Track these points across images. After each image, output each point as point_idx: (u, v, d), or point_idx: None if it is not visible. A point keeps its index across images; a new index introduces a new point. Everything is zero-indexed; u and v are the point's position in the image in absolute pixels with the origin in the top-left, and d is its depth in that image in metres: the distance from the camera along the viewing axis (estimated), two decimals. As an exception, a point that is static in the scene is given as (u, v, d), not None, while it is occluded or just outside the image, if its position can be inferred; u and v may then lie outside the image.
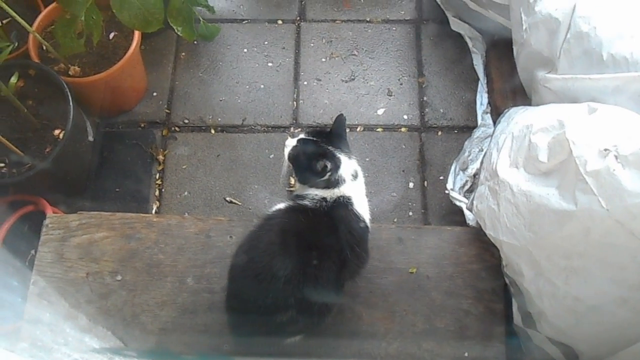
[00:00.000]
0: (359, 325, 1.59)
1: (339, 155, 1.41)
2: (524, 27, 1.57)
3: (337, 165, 1.39)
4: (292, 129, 2.14)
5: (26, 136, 1.75)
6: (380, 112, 2.17)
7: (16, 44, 1.91)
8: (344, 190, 1.39)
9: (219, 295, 1.61)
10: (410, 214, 2.01)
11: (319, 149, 1.41)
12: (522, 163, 1.35)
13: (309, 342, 1.52)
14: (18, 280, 1.49)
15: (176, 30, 1.90)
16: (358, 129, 2.13)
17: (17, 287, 1.49)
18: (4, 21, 1.88)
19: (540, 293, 1.33)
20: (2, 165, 1.71)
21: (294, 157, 1.44)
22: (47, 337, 1.33)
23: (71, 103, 1.73)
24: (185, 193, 2.04)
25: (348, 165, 1.41)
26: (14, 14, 1.67)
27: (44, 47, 1.86)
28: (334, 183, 1.38)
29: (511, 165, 1.40)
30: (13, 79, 1.67)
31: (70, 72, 1.89)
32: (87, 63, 1.93)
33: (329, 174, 1.36)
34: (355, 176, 1.43)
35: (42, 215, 1.74)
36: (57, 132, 1.76)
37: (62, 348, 1.31)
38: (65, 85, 1.75)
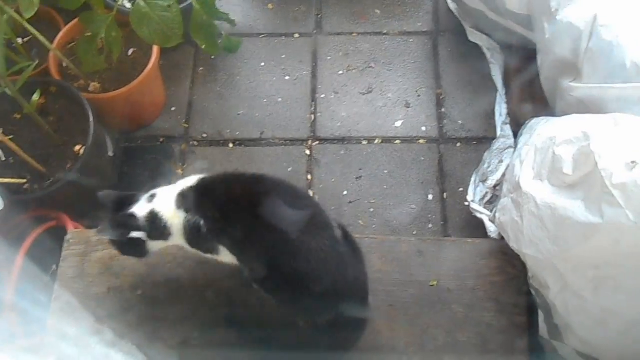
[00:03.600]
0: (378, 339, 1.57)
1: None
2: (546, 36, 1.56)
3: None
4: (310, 141, 2.14)
5: (48, 152, 1.77)
6: (398, 124, 2.16)
7: (37, 62, 1.93)
8: None
9: (239, 309, 1.60)
10: (430, 226, 1.99)
11: None
12: (546, 175, 1.33)
13: (328, 357, 1.51)
14: (41, 294, 1.50)
15: (200, 45, 1.90)
16: (376, 142, 2.13)
17: (41, 302, 1.49)
18: (25, 39, 1.90)
19: (566, 306, 1.31)
20: (24, 181, 1.72)
21: None
22: (73, 352, 1.33)
23: (91, 119, 1.75)
24: (204, 207, 2.04)
25: None
26: (35, 32, 1.70)
27: (64, 64, 1.89)
28: None
29: (535, 177, 1.38)
30: (35, 96, 1.69)
31: (90, 89, 1.91)
32: (106, 79, 1.95)
33: None
34: None
35: (64, 231, 1.75)
36: (77, 147, 1.77)
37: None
38: (86, 102, 1.77)
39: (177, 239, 1.36)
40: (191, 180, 1.37)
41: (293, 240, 1.27)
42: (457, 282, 1.62)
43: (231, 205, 1.32)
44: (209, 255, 1.40)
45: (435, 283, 1.61)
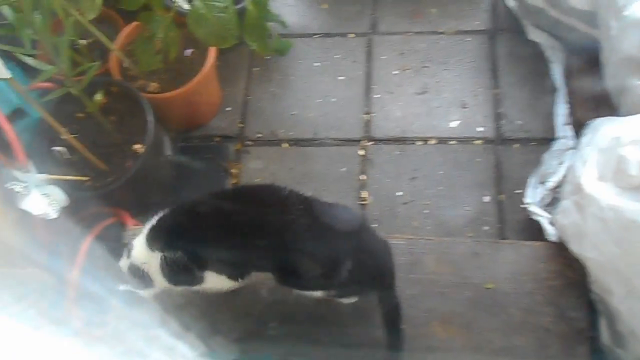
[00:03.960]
0: (433, 340, 1.56)
1: None
2: (612, 33, 1.51)
3: None
4: (364, 142, 2.13)
5: (109, 151, 1.82)
6: (453, 124, 2.13)
7: (99, 62, 1.99)
8: None
9: (292, 306, 1.62)
10: (486, 228, 1.95)
11: None
12: (610, 177, 1.29)
13: (385, 356, 1.51)
14: (104, 289, 1.54)
15: (250, 46, 1.93)
16: (431, 142, 2.10)
17: (104, 295, 1.54)
18: (88, 40, 1.96)
19: (632, 312, 1.27)
20: (87, 178, 1.78)
21: None
22: (142, 343, 1.37)
23: (150, 118, 1.79)
24: (259, 206, 2.06)
25: None
26: (98, 33, 1.75)
27: (125, 65, 1.94)
28: None
29: (598, 179, 1.34)
30: (98, 96, 1.74)
31: (149, 89, 1.96)
32: (165, 79, 1.99)
33: None
34: None
35: (124, 227, 1.80)
36: (137, 146, 1.82)
37: (154, 354, 1.34)
38: (145, 102, 1.81)
39: (159, 283, 1.40)
40: (154, 220, 1.40)
41: (292, 228, 1.29)
42: (514, 285, 1.59)
43: (213, 226, 1.34)
44: (196, 288, 1.42)
45: (491, 286, 1.59)
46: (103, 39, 1.76)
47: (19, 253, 1.73)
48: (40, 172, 1.50)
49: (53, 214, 1.49)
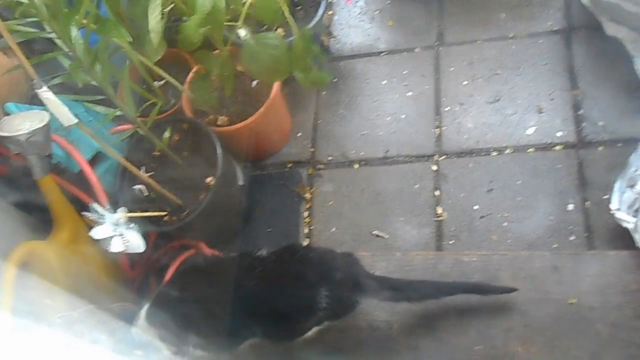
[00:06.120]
0: (515, 362, 1.48)
1: None
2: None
3: None
4: (436, 156, 2.08)
5: (183, 185, 1.89)
6: (530, 131, 2.03)
7: (172, 102, 2.09)
8: None
9: (366, 332, 1.60)
10: (572, 238, 1.83)
11: None
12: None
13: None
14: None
15: (296, 77, 1.92)
16: (507, 152, 2.02)
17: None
18: (162, 82, 2.07)
19: None
20: (165, 213, 1.86)
21: None
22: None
23: (219, 151, 1.84)
24: (333, 229, 2.07)
25: None
26: (166, 75, 1.84)
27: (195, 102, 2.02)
28: None
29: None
30: (166, 134, 1.82)
31: (218, 122, 2.02)
32: (234, 112, 2.04)
33: None
34: None
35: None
36: (209, 179, 1.87)
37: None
38: (214, 135, 1.87)
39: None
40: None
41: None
42: (600, 299, 1.48)
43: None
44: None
45: (574, 301, 1.49)
46: (170, 79, 1.85)
47: (110, 290, 1.84)
48: (122, 211, 1.59)
49: (136, 251, 1.57)
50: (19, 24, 1.36)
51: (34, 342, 1.07)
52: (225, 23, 1.67)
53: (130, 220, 1.60)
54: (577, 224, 1.85)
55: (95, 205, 1.55)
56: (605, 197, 1.84)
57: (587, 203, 1.87)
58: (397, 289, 1.51)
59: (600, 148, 1.94)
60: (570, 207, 1.87)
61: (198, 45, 1.66)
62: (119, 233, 1.55)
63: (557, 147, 1.98)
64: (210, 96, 1.90)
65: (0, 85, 1.73)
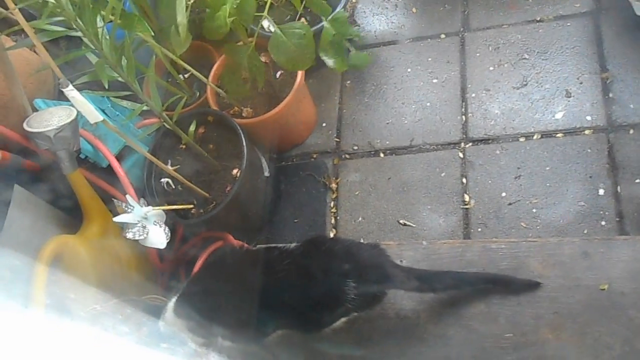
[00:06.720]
0: (545, 349, 1.46)
1: None
2: None
3: None
4: (462, 144, 2.06)
5: (209, 178, 1.91)
6: (558, 116, 2.00)
7: (197, 94, 2.10)
8: None
9: (394, 321, 1.59)
10: (603, 223, 1.80)
11: None
12: None
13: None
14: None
15: (327, 63, 1.92)
16: (534, 137, 1.99)
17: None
18: (186, 75, 2.08)
19: None
20: (192, 206, 1.87)
21: None
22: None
23: (244, 143, 1.85)
24: (360, 219, 2.06)
25: None
26: (191, 69, 1.85)
27: (220, 94, 2.03)
28: None
29: None
30: (192, 127, 1.84)
31: (243, 114, 2.03)
32: (258, 104, 2.05)
33: None
34: None
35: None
36: (235, 171, 1.89)
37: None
38: (238, 127, 1.87)
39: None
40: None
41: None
42: (633, 285, 1.45)
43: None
44: None
45: (605, 287, 1.46)
46: (195, 72, 1.86)
47: (140, 283, 1.87)
48: (150, 205, 1.61)
49: (156, 246, 1.58)
50: (46, 23, 1.37)
51: (65, 335, 1.09)
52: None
53: (159, 217, 1.61)
54: (608, 209, 1.82)
55: (128, 197, 1.57)
56: (638, 181, 1.82)
57: (619, 188, 1.83)
58: (423, 280, 1.50)
59: (632, 131, 1.90)
60: (601, 192, 1.84)
61: (224, 34, 1.67)
62: (142, 225, 1.56)
63: (587, 132, 1.95)
64: (242, 88, 1.91)
65: (29, 82, 1.76)
